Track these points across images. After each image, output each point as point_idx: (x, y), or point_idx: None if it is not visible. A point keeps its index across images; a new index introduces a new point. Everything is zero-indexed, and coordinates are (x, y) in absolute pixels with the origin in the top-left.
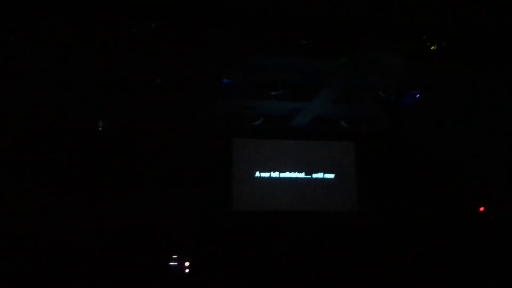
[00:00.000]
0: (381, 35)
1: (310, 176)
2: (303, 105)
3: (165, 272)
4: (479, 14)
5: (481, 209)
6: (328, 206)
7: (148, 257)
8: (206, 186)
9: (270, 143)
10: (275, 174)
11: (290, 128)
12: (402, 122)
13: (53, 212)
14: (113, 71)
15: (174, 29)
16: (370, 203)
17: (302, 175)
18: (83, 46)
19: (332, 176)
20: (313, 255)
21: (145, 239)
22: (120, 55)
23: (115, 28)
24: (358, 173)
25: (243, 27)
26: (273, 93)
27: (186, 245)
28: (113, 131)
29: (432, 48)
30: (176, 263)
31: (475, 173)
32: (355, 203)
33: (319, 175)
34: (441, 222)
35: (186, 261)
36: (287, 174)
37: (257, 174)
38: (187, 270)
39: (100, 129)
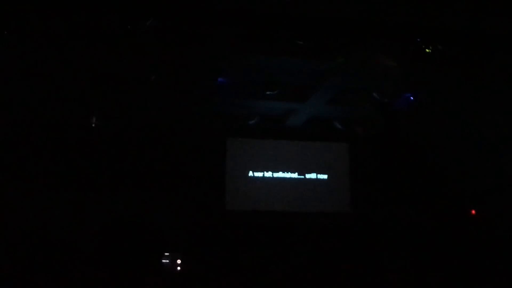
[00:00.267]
0: (377, 37)
1: (303, 177)
2: (298, 105)
3: (156, 269)
4: (475, 17)
5: (473, 212)
6: (321, 206)
7: (140, 254)
8: (199, 185)
9: (264, 143)
10: (268, 174)
11: (285, 128)
12: (396, 124)
13: (46, 208)
14: (107, 67)
15: (170, 27)
16: (363, 205)
17: (295, 175)
18: (78, 42)
19: (325, 177)
20: (305, 255)
21: (137, 236)
22: (114, 52)
23: (110, 24)
24: (351, 174)
25: (239, 26)
26: (268, 93)
27: (178, 243)
28: (106, 128)
29: (427, 51)
30: (168, 261)
31: (467, 176)
32: (347, 204)
33: (313, 175)
34: (433, 224)
35: (178, 259)
36: (280, 174)
37: (251, 173)
38: (178, 268)
39: (93, 125)
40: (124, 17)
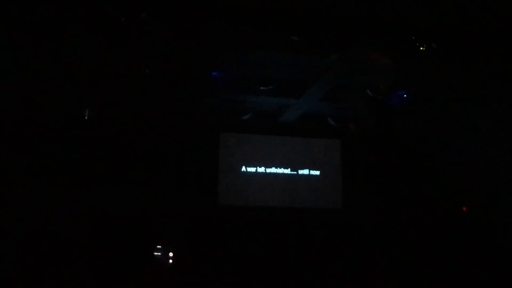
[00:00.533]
0: (372, 34)
1: (296, 172)
2: (292, 101)
3: (148, 262)
4: (469, 15)
5: (464, 209)
6: (313, 202)
7: (132, 247)
8: (192, 179)
9: (258, 138)
10: (261, 169)
11: (278, 124)
12: (389, 121)
13: (37, 202)
14: (101, 60)
15: (165, 20)
16: (354, 201)
17: (288, 171)
18: (72, 34)
19: (317, 173)
20: (296, 250)
21: (130, 230)
22: (108, 44)
23: (105, 17)
24: (344, 171)
25: (235, 20)
26: (263, 88)
27: (171, 237)
28: (99, 122)
29: (421, 48)
30: (160, 254)
31: (459, 173)
32: (339, 201)
33: (305, 171)
34: (424, 221)
35: (170, 252)
36: (273, 170)
37: (243, 168)
38: (170, 261)
39: (86, 118)
40: (119, 10)
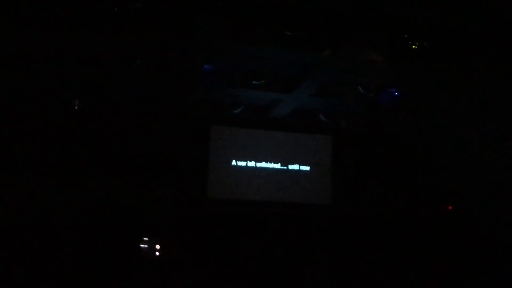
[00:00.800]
0: (365, 32)
1: (286, 168)
2: (284, 96)
3: (134, 253)
4: (461, 14)
5: (450, 207)
6: (302, 198)
7: (118, 238)
8: (182, 172)
9: (249, 132)
10: (251, 164)
11: (269, 118)
12: (380, 119)
13: (25, 191)
14: (92, 49)
15: (157, 11)
16: (344, 197)
17: (278, 165)
18: (63, 22)
19: (307, 168)
20: (285, 245)
21: (116, 221)
22: (100, 34)
23: (97, 6)
24: (334, 167)
25: (228, 13)
26: (255, 82)
27: (159, 229)
28: (88, 112)
29: (413, 47)
30: (146, 246)
31: (448, 171)
32: (329, 197)
33: (295, 166)
34: (413, 218)
35: (156, 244)
36: (263, 164)
37: (234, 162)
38: (157, 253)
39: (76, 108)
40: (111, 0)
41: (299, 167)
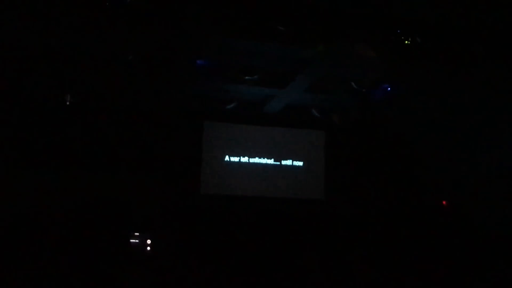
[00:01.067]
0: (357, 28)
1: (279, 163)
2: (277, 92)
3: (125, 248)
4: (453, 9)
5: (444, 202)
6: (296, 193)
7: (111, 233)
8: (175, 167)
9: (242, 128)
10: (244, 159)
11: (262, 114)
12: (372, 114)
13: (17, 186)
14: (85, 44)
15: (150, 6)
16: (336, 192)
17: (271, 161)
18: (55, 18)
19: (300, 163)
20: (278, 240)
21: (110, 215)
22: (92, 29)
23: (89, 1)
24: (327, 162)
25: (221, 8)
26: (248, 78)
27: (151, 224)
28: (81, 107)
29: (406, 42)
30: (137, 241)
31: (440, 167)
32: (322, 191)
33: (288, 162)
34: (406, 213)
35: (147, 239)
36: (256, 160)
37: (227, 158)
38: (148, 248)
39: (68, 103)
40: None
41: (292, 163)
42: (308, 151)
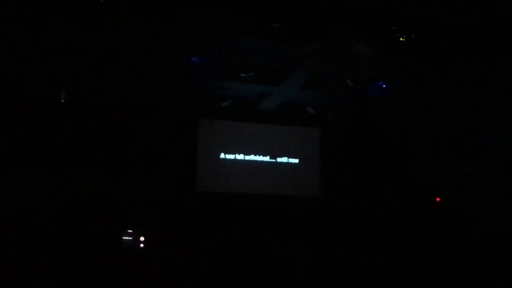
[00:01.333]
0: (352, 24)
1: (274, 160)
2: (272, 89)
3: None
4: (448, 6)
5: (438, 199)
6: (291, 190)
7: (105, 231)
8: (170, 165)
9: (237, 125)
10: (240, 157)
11: (258, 111)
12: (367, 111)
13: (8, 183)
14: (79, 41)
15: (144, 2)
16: (332, 189)
17: (267, 158)
18: (48, 14)
19: (296, 161)
20: (273, 237)
21: (104, 212)
22: (86, 26)
23: None
24: (322, 159)
25: (216, 5)
26: (243, 75)
27: (146, 222)
28: (75, 104)
29: (401, 39)
30: (130, 238)
31: (434, 164)
32: (317, 189)
33: (284, 159)
34: (400, 211)
35: (140, 237)
36: (252, 157)
37: (222, 155)
38: (141, 245)
39: (62, 101)
40: None
41: (288, 160)
42: (303, 148)
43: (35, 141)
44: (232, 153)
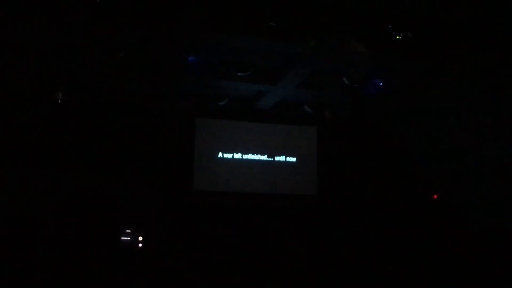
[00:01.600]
0: (349, 23)
1: (272, 159)
2: (269, 88)
3: (115, 245)
4: (444, 4)
5: (435, 196)
6: (289, 189)
7: (102, 230)
8: (167, 164)
9: (234, 124)
10: (237, 156)
11: (255, 110)
12: (364, 109)
13: (7, 184)
14: (76, 42)
15: (141, 2)
16: (329, 188)
17: (264, 157)
18: (45, 15)
19: (293, 159)
20: (271, 236)
21: (101, 212)
22: (83, 26)
23: None
24: (319, 157)
25: (212, 5)
26: (240, 74)
27: (143, 221)
28: (72, 105)
29: (397, 38)
30: (129, 238)
31: (431, 161)
32: (315, 187)
33: (281, 158)
34: (399, 208)
35: (139, 236)
36: (249, 156)
37: (220, 154)
38: (140, 245)
39: (59, 101)
40: None
41: (285, 159)
42: (300, 147)
43: (32, 142)
44: (230, 152)
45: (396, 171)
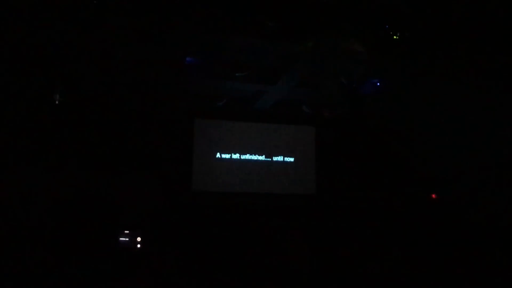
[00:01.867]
0: (347, 22)
1: (270, 159)
2: (267, 88)
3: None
4: (441, 4)
5: (433, 196)
6: (287, 189)
7: (101, 231)
8: (166, 165)
9: (232, 124)
10: (236, 156)
11: (253, 110)
12: (362, 109)
13: (8, 184)
14: (73, 43)
15: (139, 3)
16: (328, 187)
17: (262, 157)
18: (42, 16)
19: (292, 159)
20: (270, 236)
21: (100, 213)
22: (80, 27)
23: None
24: (317, 157)
25: (211, 5)
26: (238, 74)
27: (142, 222)
28: (70, 104)
29: (394, 37)
30: (127, 239)
31: (429, 161)
32: (313, 187)
33: (279, 158)
34: (397, 207)
35: (137, 237)
36: (248, 156)
37: (218, 155)
38: (138, 246)
39: (57, 102)
40: None
41: (283, 158)
42: (299, 146)
43: (31, 142)
44: (228, 152)
45: (395, 171)
